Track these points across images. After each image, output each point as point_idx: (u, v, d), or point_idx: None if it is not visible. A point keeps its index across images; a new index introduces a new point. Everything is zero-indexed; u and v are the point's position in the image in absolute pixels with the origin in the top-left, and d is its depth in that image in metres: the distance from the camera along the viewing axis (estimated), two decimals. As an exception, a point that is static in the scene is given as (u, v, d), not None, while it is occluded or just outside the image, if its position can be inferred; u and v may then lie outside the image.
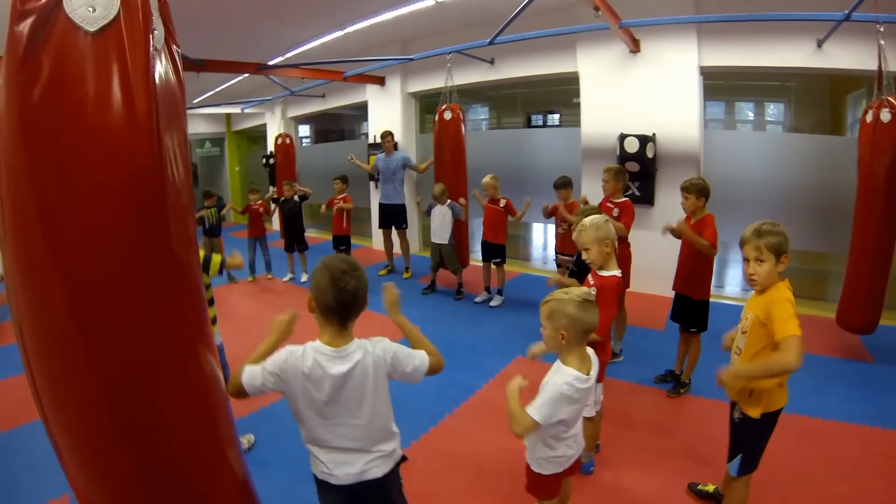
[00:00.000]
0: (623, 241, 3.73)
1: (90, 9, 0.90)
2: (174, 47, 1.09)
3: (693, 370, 3.24)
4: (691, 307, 3.18)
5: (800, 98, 5.22)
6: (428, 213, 5.36)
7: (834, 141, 4.41)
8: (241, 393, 1.38)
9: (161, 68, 1.02)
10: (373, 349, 1.43)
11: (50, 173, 0.94)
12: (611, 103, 4.97)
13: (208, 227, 6.08)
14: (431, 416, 3.04)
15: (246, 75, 6.27)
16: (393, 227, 6.43)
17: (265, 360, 1.39)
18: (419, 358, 1.49)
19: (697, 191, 3.11)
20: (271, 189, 8.72)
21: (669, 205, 4.63)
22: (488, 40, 4.77)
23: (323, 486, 1.50)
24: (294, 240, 6.28)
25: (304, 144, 10.93)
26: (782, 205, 4.49)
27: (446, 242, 5.26)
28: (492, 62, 5.99)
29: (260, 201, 6.41)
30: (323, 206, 6.19)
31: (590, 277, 2.34)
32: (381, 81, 7.32)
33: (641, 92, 4.75)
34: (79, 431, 1.11)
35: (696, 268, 3.16)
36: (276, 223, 8.62)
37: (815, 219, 4.43)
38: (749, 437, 1.90)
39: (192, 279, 1.15)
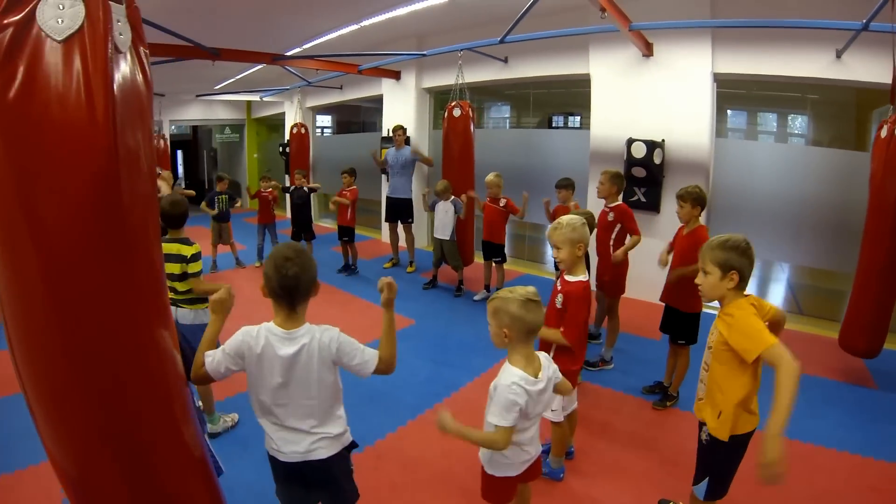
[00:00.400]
0: (620, 245, 3.72)
1: (59, 20, 1.01)
2: (142, 49, 1.18)
3: (681, 383, 3.22)
4: (680, 319, 3.16)
5: (822, 111, 5.08)
6: (432, 208, 5.43)
7: (852, 156, 4.29)
8: (206, 379, 1.51)
9: (126, 69, 1.12)
10: (319, 336, 1.52)
11: (24, 163, 1.06)
12: (621, 106, 4.94)
13: (218, 212, 6.27)
14: (412, 410, 3.13)
15: (263, 65, 6.40)
16: (399, 221, 6.54)
17: (215, 340, 1.52)
18: (367, 355, 1.56)
19: (693, 199, 3.07)
20: (287, 178, 8.94)
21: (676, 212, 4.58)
22: (499, 38, 4.79)
23: (273, 462, 1.61)
24: (302, 228, 6.44)
25: (323, 134, 11.12)
26: (793, 219, 4.41)
27: (448, 238, 5.33)
28: (505, 61, 6.00)
29: (270, 189, 6.57)
30: (334, 197, 6.32)
31: (558, 283, 2.36)
32: (396, 76, 7.40)
33: (653, 96, 4.70)
34: (47, 399, 1.22)
35: (685, 280, 3.12)
36: (289, 211, 8.82)
37: (827, 236, 4.34)
38: (717, 461, 1.85)
39: (151, 262, 1.24)
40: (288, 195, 6.69)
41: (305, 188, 6.41)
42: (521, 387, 1.60)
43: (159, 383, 1.32)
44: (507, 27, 4.64)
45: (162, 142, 8.39)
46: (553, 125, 7.82)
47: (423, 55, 5.76)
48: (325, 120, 11.37)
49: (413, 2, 5.07)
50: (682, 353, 3.20)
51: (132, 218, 1.15)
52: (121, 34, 1.10)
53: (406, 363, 3.88)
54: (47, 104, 1.02)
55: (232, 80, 8.47)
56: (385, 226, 7.27)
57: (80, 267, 1.11)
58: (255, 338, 1.49)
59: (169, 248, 2.52)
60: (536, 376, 1.66)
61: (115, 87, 1.06)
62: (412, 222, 6.53)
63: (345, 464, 1.66)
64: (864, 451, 2.72)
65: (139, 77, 1.16)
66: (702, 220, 4.52)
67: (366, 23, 5.74)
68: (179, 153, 13.00)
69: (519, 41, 4.79)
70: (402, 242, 6.67)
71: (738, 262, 1.76)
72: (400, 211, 6.48)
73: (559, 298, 2.29)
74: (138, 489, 1.31)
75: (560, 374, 1.80)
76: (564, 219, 2.33)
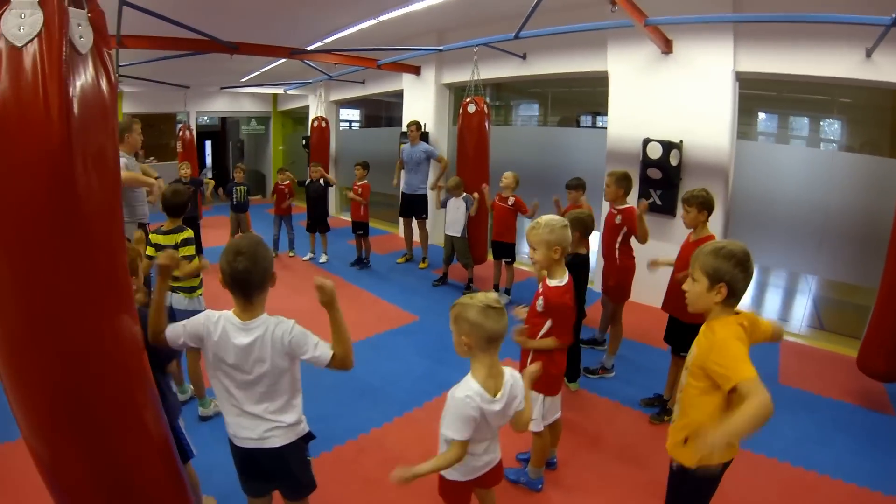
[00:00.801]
0: (626, 252, 3.66)
1: (20, 28, 1.10)
2: (105, 51, 1.25)
3: None
4: (682, 330, 3.06)
5: (855, 115, 4.83)
6: (444, 204, 5.45)
7: (885, 163, 4.07)
8: (163, 342, 1.60)
9: (86, 70, 1.20)
10: (273, 328, 1.58)
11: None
12: (639, 105, 4.83)
13: (236, 202, 6.48)
14: (401, 406, 3.17)
15: (284, 59, 6.56)
16: (413, 217, 6.58)
17: (162, 303, 1.61)
18: (319, 350, 1.59)
19: (699, 203, 2.95)
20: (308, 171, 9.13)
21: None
22: (514, 34, 4.75)
23: (232, 448, 1.69)
24: (316, 221, 6.58)
25: (350, 128, 11.31)
26: (819, 229, 4.22)
27: (459, 235, 5.34)
28: (524, 57, 5.95)
29: (287, 181, 6.73)
30: (350, 193, 6.41)
31: (540, 286, 2.34)
32: (416, 71, 7.44)
33: (671, 95, 4.58)
34: (14, 379, 1.32)
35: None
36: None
37: (853, 247, 4.13)
38: (685, 492, 1.72)
39: (110, 250, 1.31)
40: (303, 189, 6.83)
41: (321, 182, 6.53)
42: (475, 402, 1.56)
43: (119, 368, 1.40)
44: (532, 23, 4.59)
45: (187, 132, 8.68)
46: (581, 125, 7.73)
47: (440, 50, 5.77)
48: (353, 114, 11.57)
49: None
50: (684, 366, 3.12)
51: (89, 208, 1.22)
52: (81, 37, 1.17)
53: (403, 359, 3.93)
54: (7, 105, 1.11)
55: (257, 73, 8.69)
56: (401, 221, 7.34)
57: (36, 255, 1.19)
58: (214, 324, 1.57)
59: (166, 239, 2.64)
60: (495, 395, 1.60)
61: (70, 88, 1.13)
62: (426, 218, 6.57)
63: (300, 454, 1.72)
64: (873, 483, 2.54)
65: (101, 77, 1.23)
66: (719, 226, 4.48)
67: (384, 18, 5.80)
68: (208, 143, 13.44)
69: (535, 37, 4.74)
70: (417, 238, 6.72)
71: (729, 274, 1.58)
72: (414, 206, 6.53)
73: (540, 301, 2.28)
74: (97, 467, 1.40)
75: (523, 402, 1.71)
76: (544, 219, 2.27)
